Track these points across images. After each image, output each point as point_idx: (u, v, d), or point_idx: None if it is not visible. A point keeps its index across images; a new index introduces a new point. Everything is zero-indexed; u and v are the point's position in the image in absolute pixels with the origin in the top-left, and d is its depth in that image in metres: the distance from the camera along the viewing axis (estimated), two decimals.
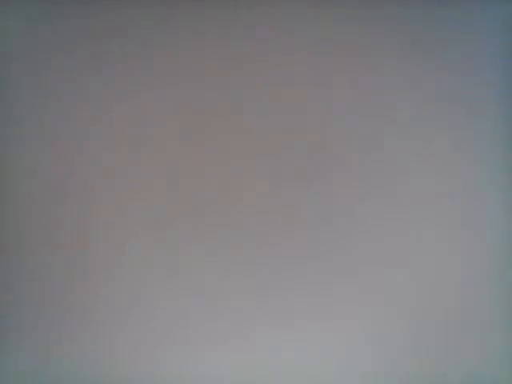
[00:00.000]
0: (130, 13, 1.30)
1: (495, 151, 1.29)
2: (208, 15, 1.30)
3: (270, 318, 1.27)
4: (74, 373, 1.27)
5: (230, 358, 1.27)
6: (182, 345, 1.27)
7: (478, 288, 1.27)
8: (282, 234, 1.28)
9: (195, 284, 1.28)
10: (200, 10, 1.30)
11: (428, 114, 1.29)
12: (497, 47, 1.30)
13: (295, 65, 1.30)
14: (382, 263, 1.27)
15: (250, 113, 1.29)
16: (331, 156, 1.29)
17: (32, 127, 1.30)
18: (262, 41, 1.30)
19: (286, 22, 1.30)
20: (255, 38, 1.30)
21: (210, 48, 1.30)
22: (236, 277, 1.28)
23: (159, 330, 1.27)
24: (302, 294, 1.27)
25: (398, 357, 1.27)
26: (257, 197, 1.28)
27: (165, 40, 1.30)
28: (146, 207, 1.28)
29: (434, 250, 1.28)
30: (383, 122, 1.29)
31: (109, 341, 1.27)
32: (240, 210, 1.28)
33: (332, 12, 1.30)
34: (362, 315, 1.27)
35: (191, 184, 1.29)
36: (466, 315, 1.27)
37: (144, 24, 1.30)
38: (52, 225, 1.28)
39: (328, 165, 1.29)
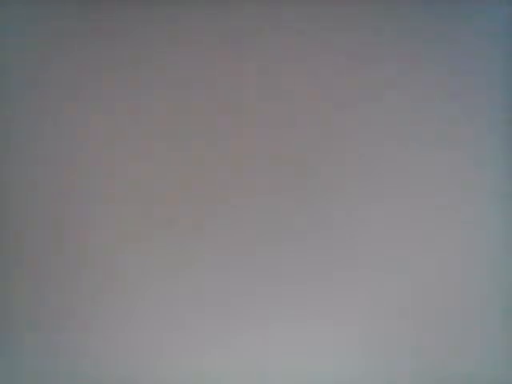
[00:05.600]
0: (131, 13, 1.30)
1: (495, 151, 1.29)
2: (208, 16, 1.30)
3: (270, 318, 1.27)
4: (73, 373, 1.27)
5: (230, 358, 1.27)
6: (182, 345, 1.27)
7: (479, 288, 1.27)
8: (283, 234, 1.28)
9: (195, 284, 1.28)
10: (200, 10, 1.30)
11: (428, 115, 1.29)
12: (497, 47, 1.30)
13: (295, 66, 1.30)
14: (382, 263, 1.27)
15: (250, 114, 1.29)
16: (331, 158, 1.29)
17: (32, 127, 1.30)
18: (262, 42, 1.30)
19: (286, 23, 1.30)
20: (255, 38, 1.30)
21: (210, 50, 1.30)
22: (236, 277, 1.28)
23: (159, 330, 1.27)
24: (302, 295, 1.27)
25: (397, 357, 1.27)
26: (257, 197, 1.28)
27: (166, 41, 1.30)
28: (146, 208, 1.28)
29: (434, 250, 1.28)
30: (383, 123, 1.29)
31: (108, 341, 1.27)
32: (240, 210, 1.28)
33: (332, 12, 1.30)
34: (362, 315, 1.27)
35: (191, 185, 1.29)
36: (466, 315, 1.27)
37: (144, 24, 1.30)
38: (52, 225, 1.28)
39: (328, 166, 1.29)
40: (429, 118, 1.29)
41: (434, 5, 1.30)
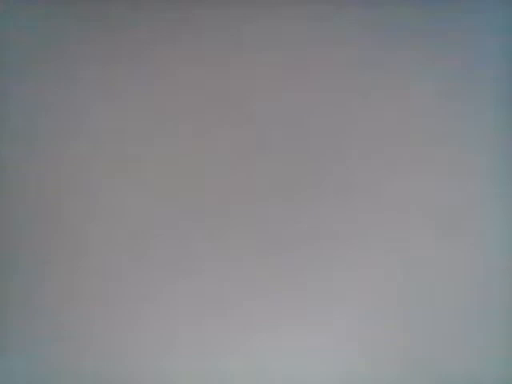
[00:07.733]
0: (131, 12, 1.30)
1: (495, 151, 1.29)
2: (207, 16, 1.30)
3: (270, 319, 1.27)
4: (73, 373, 1.27)
5: (232, 358, 1.27)
6: (182, 345, 1.27)
7: (478, 288, 1.27)
8: (283, 235, 1.28)
9: (195, 284, 1.28)
10: (200, 11, 1.30)
11: (429, 115, 1.29)
12: (497, 47, 1.30)
13: (296, 67, 1.30)
14: (383, 265, 1.28)
15: (250, 117, 1.29)
16: (330, 158, 1.29)
17: (32, 127, 1.30)
18: (263, 43, 1.30)
19: (286, 24, 1.30)
20: (256, 39, 1.30)
21: (211, 51, 1.30)
22: (237, 278, 1.28)
23: (161, 330, 1.27)
24: (302, 296, 1.27)
25: (398, 357, 1.27)
26: (257, 199, 1.28)
27: (167, 41, 1.30)
28: (147, 208, 1.28)
29: (434, 250, 1.28)
30: (384, 124, 1.29)
31: (109, 341, 1.27)
32: (241, 211, 1.28)
33: (332, 12, 1.30)
34: (362, 316, 1.27)
35: (193, 185, 1.29)
36: (465, 315, 1.27)
37: (145, 23, 1.30)
38: (51, 224, 1.28)
39: (328, 168, 1.29)
40: (429, 118, 1.29)
41: (434, 5, 1.30)
